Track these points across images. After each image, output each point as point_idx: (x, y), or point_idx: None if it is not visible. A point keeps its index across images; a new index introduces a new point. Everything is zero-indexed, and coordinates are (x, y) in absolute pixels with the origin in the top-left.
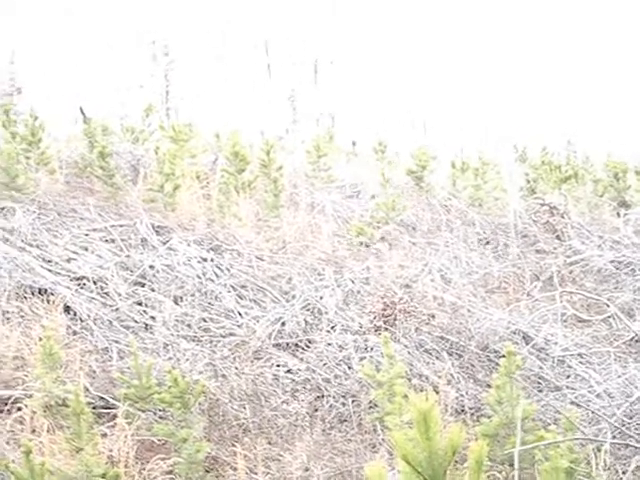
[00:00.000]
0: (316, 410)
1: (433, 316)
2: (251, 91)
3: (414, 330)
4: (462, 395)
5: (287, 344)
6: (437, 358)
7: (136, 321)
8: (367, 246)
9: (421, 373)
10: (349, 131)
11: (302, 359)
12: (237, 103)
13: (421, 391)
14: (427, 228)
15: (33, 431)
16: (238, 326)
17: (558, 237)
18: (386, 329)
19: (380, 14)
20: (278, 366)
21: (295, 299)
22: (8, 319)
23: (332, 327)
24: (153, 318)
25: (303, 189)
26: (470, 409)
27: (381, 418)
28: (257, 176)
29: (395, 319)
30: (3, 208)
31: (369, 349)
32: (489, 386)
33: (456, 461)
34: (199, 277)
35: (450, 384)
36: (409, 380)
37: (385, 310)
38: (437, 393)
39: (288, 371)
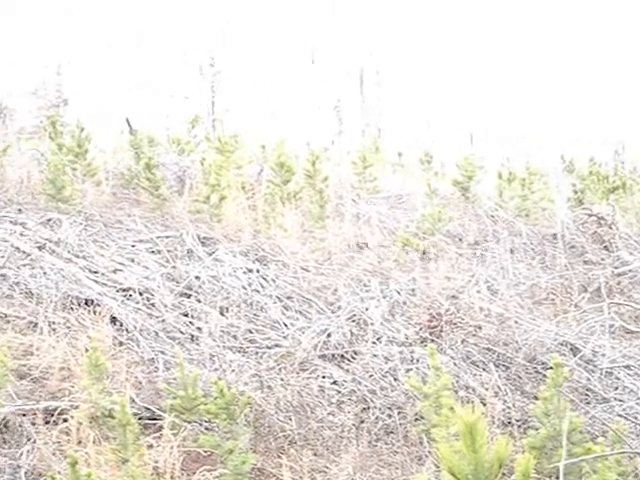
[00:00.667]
0: (362, 422)
1: (480, 327)
2: (297, 102)
3: (460, 342)
4: (509, 407)
5: (333, 355)
6: (484, 370)
7: (182, 332)
8: (413, 257)
9: (468, 385)
10: (395, 142)
11: (348, 370)
12: (283, 114)
13: (467, 403)
14: (474, 239)
15: (79, 442)
16: (284, 337)
17: (606, 248)
18: (432, 340)
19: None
20: (324, 377)
21: (341, 310)
22: (55, 330)
23: (378, 338)
24: (199, 329)
25: (349, 200)
26: (517, 421)
27: (427, 430)
28: (303, 187)
29: (441, 330)
30: (50, 219)
31: (415, 361)
32: (536, 398)
33: (503, 474)
34: (245, 288)
35: (497, 396)
36: (455, 392)
37: (431, 321)
38: (484, 405)
39: (334, 382)
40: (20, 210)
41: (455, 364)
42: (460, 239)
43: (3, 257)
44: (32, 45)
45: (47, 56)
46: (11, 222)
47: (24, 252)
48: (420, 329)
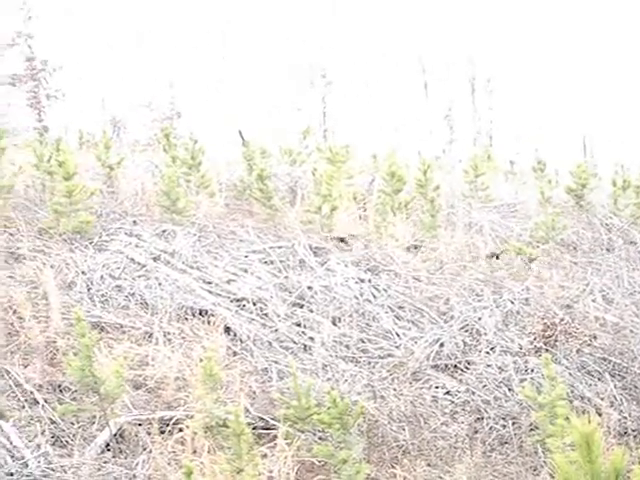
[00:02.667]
0: (476, 432)
1: (595, 337)
2: (408, 111)
3: (575, 351)
4: (625, 417)
5: (446, 365)
6: (599, 380)
7: (295, 342)
8: (526, 266)
9: (583, 395)
10: (507, 150)
11: (461, 381)
12: (394, 123)
13: (583, 413)
14: (588, 247)
15: (194, 452)
16: (396, 347)
17: None
18: (547, 350)
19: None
20: (437, 388)
21: (453, 320)
22: (170, 340)
23: (491, 348)
24: (312, 339)
25: (460, 209)
26: (633, 431)
27: (542, 440)
28: (414, 196)
29: (556, 340)
30: (165, 231)
31: (529, 371)
32: None
33: None
34: (357, 298)
35: (612, 406)
36: (570, 402)
37: (545, 331)
38: (599, 415)
39: (447, 393)
40: (135, 222)
41: (570, 374)
42: (574, 247)
43: (119, 268)
44: (145, 59)
45: (159, 70)
46: (126, 234)
47: (139, 263)
48: (534, 339)
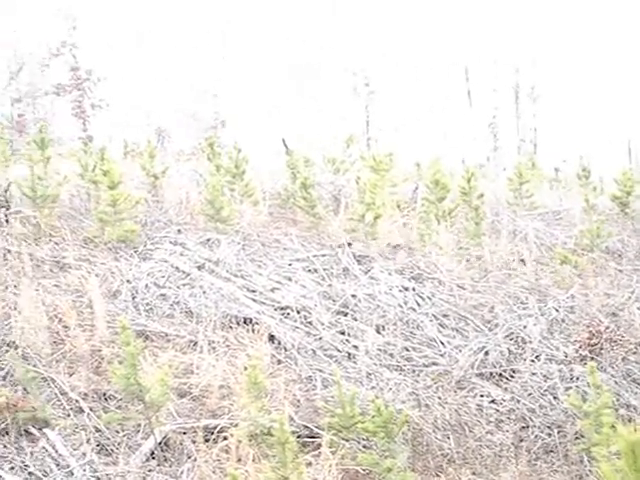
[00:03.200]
0: (521, 440)
1: None
2: (452, 119)
3: (621, 359)
4: None
5: (490, 374)
6: None
7: (339, 350)
8: (571, 274)
9: (629, 403)
10: (551, 157)
11: (506, 389)
12: (438, 131)
13: (629, 421)
14: (633, 255)
15: (239, 460)
16: (440, 355)
17: None
18: (592, 358)
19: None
20: (482, 396)
21: (498, 328)
22: (214, 348)
23: (536, 356)
24: (356, 347)
25: (505, 217)
26: None
27: (588, 449)
28: (458, 204)
29: (601, 348)
30: (209, 239)
31: (575, 379)
32: None
33: None
34: (401, 306)
35: None
36: (616, 410)
37: (591, 339)
38: None
39: (492, 401)
40: (179, 230)
41: (616, 382)
42: (619, 255)
43: (163, 277)
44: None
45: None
46: (171, 242)
47: (184, 272)
48: (579, 347)
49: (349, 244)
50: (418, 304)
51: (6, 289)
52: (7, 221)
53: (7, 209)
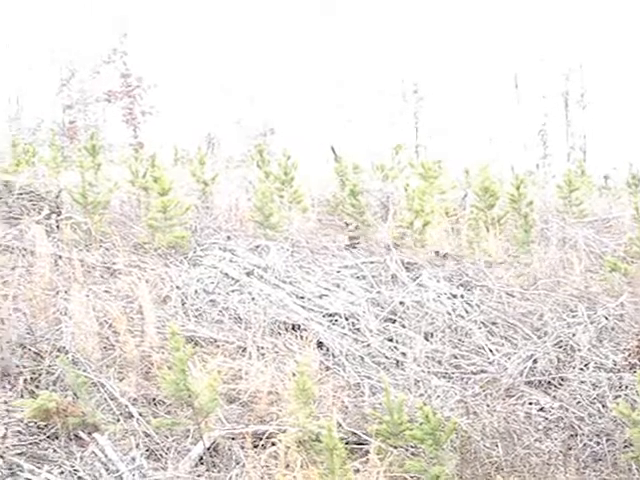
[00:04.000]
0: (570, 449)
1: None
2: (501, 126)
3: None
4: None
5: (539, 382)
6: None
7: (387, 357)
8: (621, 282)
9: None
10: (601, 165)
11: (555, 397)
12: (486, 138)
13: None
14: None
15: (287, 466)
16: (489, 363)
17: None
18: None
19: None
20: (530, 404)
21: (547, 336)
22: (263, 355)
23: (585, 365)
24: (404, 354)
25: (554, 224)
26: None
27: (637, 457)
28: (507, 211)
29: None
30: (258, 246)
31: (624, 387)
32: None
33: None
34: (449, 313)
35: None
36: None
37: None
38: None
39: (541, 409)
40: (229, 237)
41: None
42: None
43: (213, 283)
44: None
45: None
46: (220, 249)
47: (233, 278)
48: (629, 355)
49: (396, 245)
50: (466, 311)
51: (57, 294)
52: (58, 227)
53: (58, 215)
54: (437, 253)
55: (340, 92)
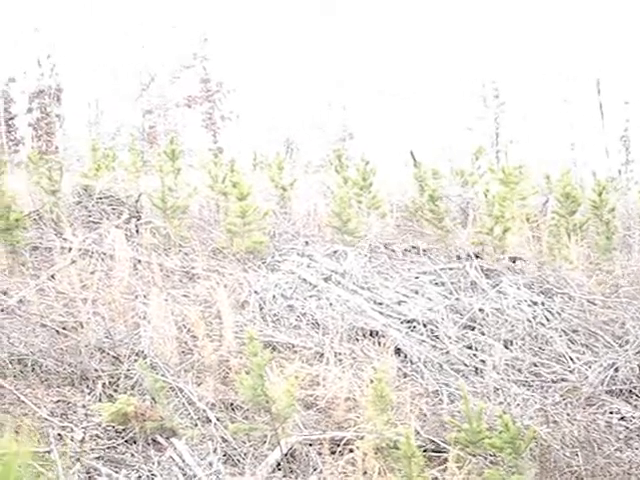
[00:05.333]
0: None
1: None
2: (583, 131)
3: None
4: None
5: (620, 390)
6: None
7: (466, 365)
8: None
9: None
10: None
11: (636, 406)
12: (567, 143)
13: None
14: None
15: (365, 473)
16: (570, 371)
17: None
18: None
19: None
20: (611, 413)
21: (629, 344)
22: (340, 361)
23: None
24: (483, 362)
25: (637, 231)
26: None
27: None
28: (588, 218)
29: None
30: (336, 251)
31: None
32: None
33: None
34: (529, 321)
35: None
36: None
37: None
38: None
39: (621, 418)
40: (307, 242)
41: None
42: None
43: (291, 288)
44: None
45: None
46: (298, 254)
47: (311, 283)
48: None
49: (476, 256)
50: (547, 319)
51: (136, 299)
52: (138, 231)
53: (138, 219)
54: (514, 261)
55: (419, 96)
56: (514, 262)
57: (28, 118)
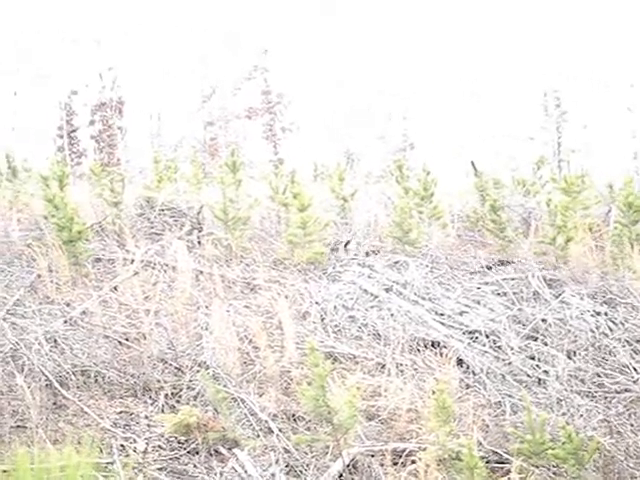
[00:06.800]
0: None
1: None
2: None
3: None
4: None
5: None
6: None
7: (529, 375)
8: None
9: None
10: None
11: None
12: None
13: None
14: None
15: None
16: (634, 382)
17: None
18: None
19: None
20: None
21: None
22: (402, 372)
23: None
24: (546, 372)
25: None
26: None
27: None
28: None
29: None
30: (397, 262)
31: None
32: None
33: None
34: (592, 331)
35: None
36: None
37: None
38: None
39: None
40: (368, 253)
41: None
42: None
43: (352, 299)
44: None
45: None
46: (359, 264)
47: (372, 294)
48: None
49: (537, 261)
50: (610, 329)
51: (198, 310)
52: (199, 243)
53: (200, 231)
54: (581, 269)
55: (479, 106)
56: (587, 271)
57: (90, 130)
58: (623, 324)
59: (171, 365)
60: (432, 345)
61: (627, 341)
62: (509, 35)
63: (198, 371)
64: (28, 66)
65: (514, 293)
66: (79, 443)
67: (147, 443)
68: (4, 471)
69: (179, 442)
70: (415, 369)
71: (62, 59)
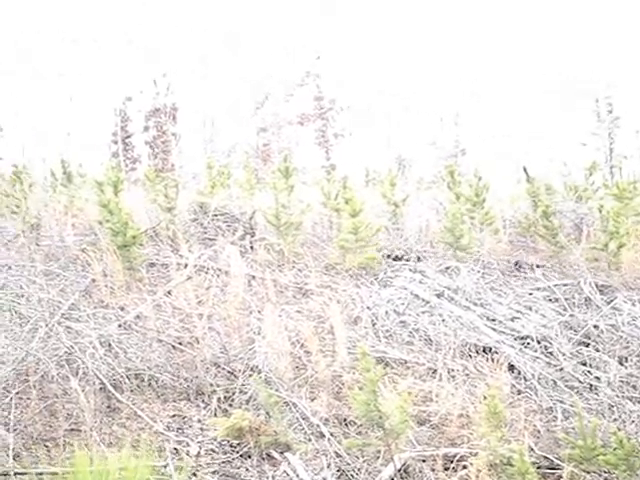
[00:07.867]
0: None
1: None
2: None
3: None
4: None
5: None
6: None
7: (580, 381)
8: None
9: None
10: None
11: None
12: None
13: None
14: None
15: None
16: None
17: None
18: None
19: None
20: None
21: None
22: (453, 377)
23: None
24: (598, 378)
25: None
26: None
27: None
28: None
29: None
30: (448, 267)
31: None
32: None
33: None
34: None
35: None
36: None
37: None
38: None
39: None
40: (419, 258)
41: None
42: None
43: (403, 304)
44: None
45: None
46: (410, 270)
47: (423, 299)
48: None
49: (589, 267)
50: None
51: (250, 314)
52: (252, 248)
53: (252, 236)
54: (634, 275)
55: (531, 111)
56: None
57: (145, 136)
58: None
59: (224, 369)
60: (484, 351)
61: None
62: (562, 40)
63: (250, 375)
64: (84, 72)
65: (566, 299)
66: (133, 447)
67: (200, 447)
68: (62, 474)
69: (231, 446)
70: (466, 374)
71: (119, 65)
